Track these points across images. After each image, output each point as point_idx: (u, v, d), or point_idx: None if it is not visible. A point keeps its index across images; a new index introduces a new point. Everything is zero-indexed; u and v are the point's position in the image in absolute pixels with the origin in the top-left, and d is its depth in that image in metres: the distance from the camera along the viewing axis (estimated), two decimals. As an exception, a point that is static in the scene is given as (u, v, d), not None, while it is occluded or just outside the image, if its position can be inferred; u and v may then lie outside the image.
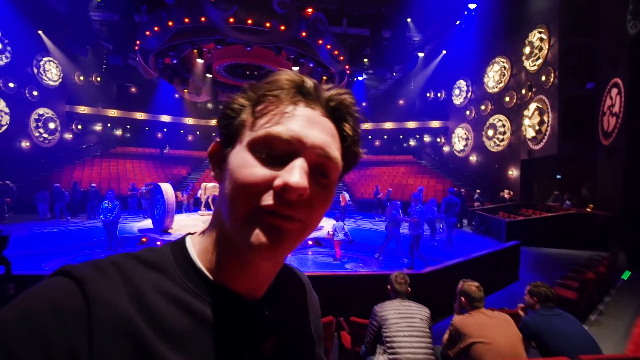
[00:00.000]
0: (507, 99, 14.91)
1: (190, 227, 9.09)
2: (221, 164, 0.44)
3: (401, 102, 22.64)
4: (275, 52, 12.55)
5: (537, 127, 12.33)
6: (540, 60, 12.38)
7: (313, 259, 7.36)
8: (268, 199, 0.37)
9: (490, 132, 15.87)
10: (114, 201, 7.17)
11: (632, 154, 8.23)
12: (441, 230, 9.77)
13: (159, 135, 22.21)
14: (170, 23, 11.10)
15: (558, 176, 13.06)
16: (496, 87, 15.60)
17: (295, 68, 13.16)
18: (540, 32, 12.38)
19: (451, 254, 7.49)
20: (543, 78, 12.02)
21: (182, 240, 0.46)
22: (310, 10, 12.28)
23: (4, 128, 13.60)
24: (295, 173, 0.37)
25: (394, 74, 18.79)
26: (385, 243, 7.21)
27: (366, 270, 6.17)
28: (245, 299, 0.43)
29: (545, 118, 11.89)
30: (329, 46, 12.37)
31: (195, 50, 12.74)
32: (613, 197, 8.86)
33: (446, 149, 19.65)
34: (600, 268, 4.61)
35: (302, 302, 0.56)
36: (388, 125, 21.59)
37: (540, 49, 12.36)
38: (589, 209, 9.66)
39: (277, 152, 0.39)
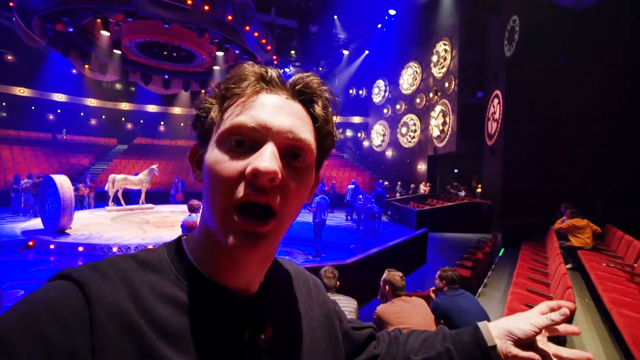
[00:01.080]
0: (418, 100, 16.70)
1: (95, 225, 7.95)
2: (200, 165, 0.44)
3: (326, 96, 23.36)
4: (198, 33, 11.58)
5: (441, 127, 14.18)
6: (444, 69, 14.18)
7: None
8: (240, 191, 0.38)
9: (404, 130, 17.61)
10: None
11: (507, 153, 10.18)
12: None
13: (51, 117, 18.51)
14: (63, -19, 9.23)
15: (456, 170, 15.31)
16: (409, 89, 17.32)
17: (220, 53, 12.42)
18: (445, 44, 14.14)
19: (374, 242, 8.20)
20: (446, 84, 13.83)
21: (177, 240, 0.47)
22: (236, -7, 11.65)
23: None
24: (264, 157, 0.37)
25: (320, 69, 19.27)
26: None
27: (295, 263, 6.33)
28: (239, 295, 0.44)
29: (447, 120, 13.75)
30: (256, 33, 11.98)
31: (98, 20, 10.88)
32: (494, 189, 10.85)
33: (366, 143, 21.10)
34: (486, 249, 5.66)
35: (297, 293, 0.55)
36: (314, 118, 22.10)
37: (445, 58, 14.16)
38: (477, 188, 11.71)
39: (245, 142, 0.39)
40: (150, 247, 6.41)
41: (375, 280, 2.65)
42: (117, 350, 0.33)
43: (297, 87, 0.44)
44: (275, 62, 15.28)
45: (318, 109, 0.45)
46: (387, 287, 2.31)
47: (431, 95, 15.42)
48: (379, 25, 16.42)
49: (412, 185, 15.04)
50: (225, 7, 10.82)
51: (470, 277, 4.37)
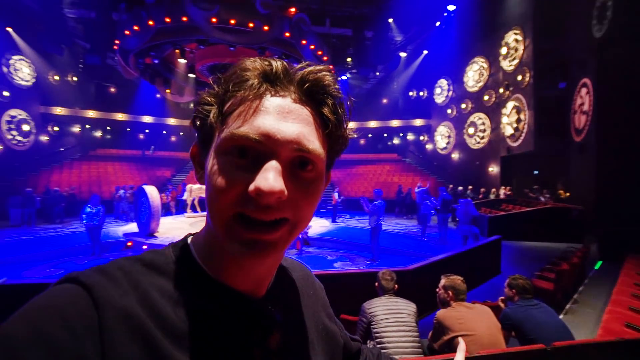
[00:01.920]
0: (486, 97, 15.38)
1: (177, 229, 8.96)
2: (202, 165, 0.42)
3: (385, 100, 22.94)
4: (259, 52, 12.49)
5: (514, 125, 12.81)
6: (516, 61, 12.85)
7: (306, 258, 7.39)
8: (244, 206, 0.36)
9: (471, 130, 16.33)
10: (97, 205, 7.00)
11: (602, 149, 8.71)
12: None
13: (141, 137, 21.66)
14: (150, 22, 10.86)
15: (535, 172, 13.62)
16: (476, 86, 16.06)
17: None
18: (515, 34, 12.84)
19: (438, 249, 7.71)
20: (519, 78, 12.49)
21: (184, 241, 0.45)
22: (293, 10, 12.30)
23: (-27, 131, 12.98)
24: (268, 176, 0.35)
25: (377, 74, 19.06)
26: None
27: (354, 269, 6.28)
28: (248, 297, 0.43)
29: (522, 116, 12.37)
30: (312, 46, 12.43)
31: (177, 50, 12.51)
32: (585, 192, 9.35)
33: (429, 146, 20.08)
34: (574, 259, 4.89)
35: (304, 295, 0.54)
36: (372, 124, 21.85)
37: (516, 49, 12.83)
38: (562, 192, 10.18)
39: (248, 153, 0.37)
40: (144, 247, 6.99)
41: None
42: (127, 355, 0.33)
43: (305, 86, 0.40)
44: (332, 72, 15.60)
45: (328, 111, 0.41)
46: (448, 292, 2.15)
47: (501, 90, 14.07)
48: (438, 23, 15.67)
49: (483, 190, 13.80)
50: (282, 25, 11.50)
51: (553, 290, 3.82)
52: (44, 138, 16.95)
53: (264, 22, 11.11)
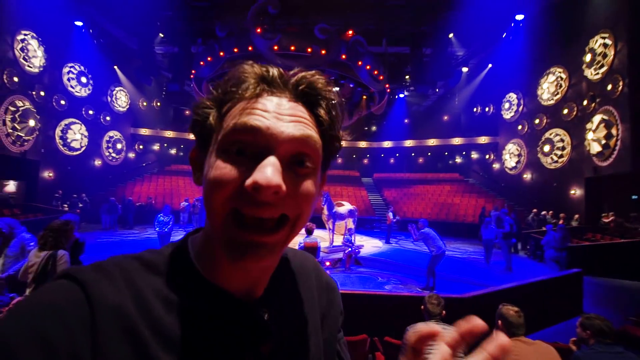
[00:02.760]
0: (565, 111, 13.68)
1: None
2: (201, 168, 0.42)
3: (445, 118, 21.90)
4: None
5: (603, 142, 11.10)
6: (604, 68, 11.28)
7: (356, 277, 7.18)
8: (240, 203, 0.36)
9: (547, 148, 14.58)
10: (169, 214, 7.78)
11: None
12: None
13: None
14: (221, 53, 12.16)
15: (634, 197, 11.49)
16: (552, 99, 14.43)
17: (336, 89, 13.53)
18: (603, 38, 11.35)
19: (501, 279, 6.87)
20: (609, 87, 10.90)
21: (183, 241, 0.45)
22: (350, 32, 12.66)
23: (83, 149, 15.65)
24: (265, 170, 0.35)
25: (437, 90, 18.40)
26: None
27: (404, 292, 5.89)
28: (242, 300, 0.42)
29: (614, 131, 10.68)
30: (368, 67, 12.56)
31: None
32: None
33: (496, 166, 18.41)
34: (688, 304, 3.91)
35: (302, 289, 0.52)
36: (432, 142, 20.92)
37: (604, 55, 11.29)
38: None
39: (246, 149, 0.37)
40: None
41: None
42: (117, 353, 0.33)
43: (300, 88, 0.41)
44: (388, 90, 15.50)
45: (322, 111, 0.42)
46: (499, 322, 1.88)
47: (585, 102, 12.41)
48: (504, 35, 14.65)
49: (562, 215, 12.07)
50: (339, 48, 11.89)
51: (655, 340, 3.07)
52: (132, 155, 19.71)
53: (321, 47, 11.63)
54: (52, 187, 13.48)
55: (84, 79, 15.45)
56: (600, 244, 8.33)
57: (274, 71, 0.41)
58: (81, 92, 15.41)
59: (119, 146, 18.33)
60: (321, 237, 9.25)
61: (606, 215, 10.94)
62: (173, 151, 22.95)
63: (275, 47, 11.58)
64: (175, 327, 0.37)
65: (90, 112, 15.99)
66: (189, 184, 19.01)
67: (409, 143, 21.64)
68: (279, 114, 0.39)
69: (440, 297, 2.36)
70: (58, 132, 14.27)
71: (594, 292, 5.94)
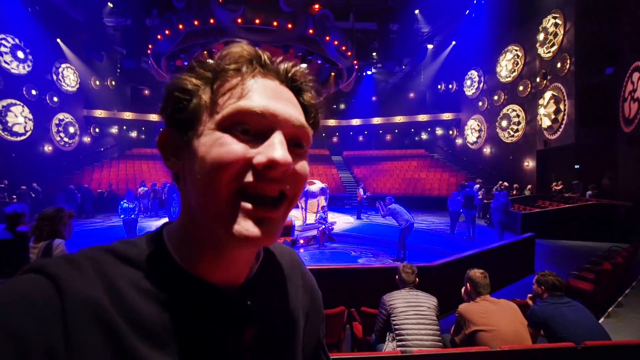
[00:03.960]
0: (521, 88, 14.53)
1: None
2: (178, 152, 0.41)
3: (411, 95, 22.34)
4: (283, 49, 12.61)
5: (552, 116, 12.00)
6: (555, 47, 12.00)
7: (329, 253, 7.41)
8: (249, 179, 0.36)
9: (504, 123, 15.51)
10: (132, 200, 7.43)
11: (654, 140, 7.95)
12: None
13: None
14: (180, 26, 11.31)
15: (576, 166, 12.68)
16: (509, 77, 15.22)
17: (304, 65, 13.22)
18: (555, 18, 11.99)
19: (465, 247, 7.44)
20: (558, 65, 11.66)
21: (159, 231, 0.44)
22: (316, 6, 12.27)
23: (28, 134, 14.22)
24: (279, 148, 0.36)
25: (403, 67, 18.59)
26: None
27: (378, 264, 6.21)
28: (222, 289, 0.41)
29: (562, 106, 11.55)
30: (336, 42, 12.34)
31: (205, 52, 12.93)
32: (636, 187, 8.58)
33: (459, 141, 19.33)
34: (618, 259, 4.51)
35: (289, 284, 0.52)
36: (399, 119, 21.38)
37: (555, 35, 11.98)
38: (607, 185, 9.44)
39: (251, 128, 0.37)
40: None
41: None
42: (91, 346, 0.32)
43: (288, 75, 0.42)
44: (357, 67, 15.42)
45: (308, 97, 0.44)
46: (468, 284, 2.08)
47: (538, 80, 13.22)
48: (467, 12, 14.97)
49: (516, 186, 13.10)
50: (306, 22, 11.52)
51: (592, 291, 3.55)
52: (87, 139, 18.23)
53: (287, 20, 11.18)
54: (-5, 177, 12.25)
55: (20, 54, 13.78)
56: (548, 210, 9.20)
57: (265, 54, 0.42)
58: (19, 68, 13.79)
59: (71, 130, 16.84)
60: (294, 216, 9.36)
61: (556, 183, 12.05)
62: (133, 134, 21.52)
63: (239, 20, 10.97)
64: (153, 317, 0.36)
65: (33, 92, 14.43)
66: (152, 168, 18.12)
67: (377, 120, 21.94)
68: (277, 97, 0.39)
69: (414, 266, 2.52)
70: (-5, 115, 12.82)
71: (543, 253, 6.63)
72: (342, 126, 23.19)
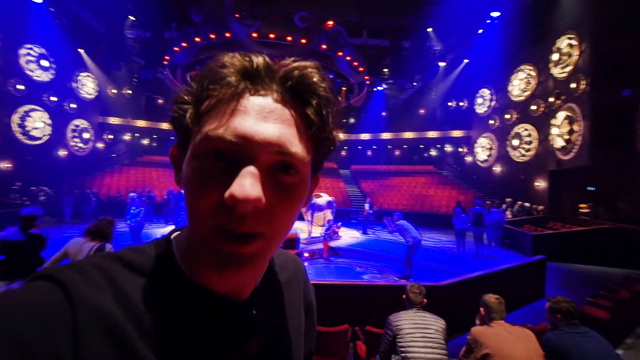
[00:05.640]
0: (533, 107, 14.40)
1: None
2: (182, 168, 0.39)
3: (422, 111, 22.39)
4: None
5: (566, 137, 11.80)
6: (569, 67, 11.93)
7: (334, 268, 7.29)
8: (219, 216, 0.34)
9: (516, 142, 15.33)
10: (139, 207, 7.50)
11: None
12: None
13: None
14: (197, 39, 11.69)
15: (590, 188, 12.38)
16: (522, 96, 15.13)
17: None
18: (569, 38, 11.97)
19: (472, 267, 7.24)
20: (573, 85, 11.55)
21: (167, 239, 0.43)
22: (330, 23, 12.57)
23: (45, 138, 14.63)
24: (243, 182, 0.33)
25: (414, 84, 18.74)
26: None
27: (383, 281, 6.07)
28: (229, 300, 0.41)
29: (575, 127, 11.38)
30: (348, 58, 12.56)
31: (219, 64, 13.28)
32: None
33: (469, 159, 19.15)
34: (637, 287, 4.31)
35: (291, 294, 0.52)
36: (408, 134, 21.36)
37: (570, 55, 11.93)
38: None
39: (225, 157, 0.35)
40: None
41: (474, 309, 2.34)
42: (100, 354, 0.32)
43: (288, 84, 0.37)
44: (368, 82, 15.60)
45: (311, 111, 0.38)
46: (482, 309, 2.00)
47: (551, 99, 13.11)
48: (480, 31, 15.09)
49: (520, 203, 12.84)
50: (319, 38, 11.78)
51: (609, 319, 3.38)
52: (100, 145, 18.68)
53: (301, 36, 11.47)
54: (9, 179, 12.56)
55: (45, 63, 14.35)
56: (560, 232, 8.94)
57: (258, 61, 0.37)
58: (42, 76, 14.32)
59: (86, 135, 17.29)
60: (300, 228, 9.30)
61: (585, 206, 11.71)
62: (145, 141, 21.99)
63: (254, 35, 11.29)
64: (160, 326, 0.36)
65: (53, 98, 14.93)
66: (162, 175, 18.38)
67: (386, 135, 21.97)
68: (263, 118, 0.35)
69: (422, 286, 2.45)
70: (16, 119, 13.25)
71: (554, 276, 6.40)
72: (351, 140, 23.30)
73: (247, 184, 0.33)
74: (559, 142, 12.23)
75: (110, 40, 14.82)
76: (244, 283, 0.43)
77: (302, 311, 0.53)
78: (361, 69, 13.43)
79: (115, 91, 18.94)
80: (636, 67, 9.77)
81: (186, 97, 0.38)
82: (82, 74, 16.75)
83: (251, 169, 0.34)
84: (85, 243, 2.73)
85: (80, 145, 17.04)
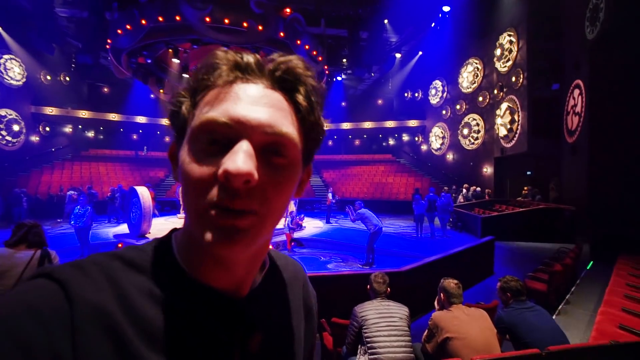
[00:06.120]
0: (480, 98, 15.47)
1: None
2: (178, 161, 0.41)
3: (380, 102, 22.97)
4: (253, 51, 12.33)
5: (508, 126, 12.88)
6: (510, 62, 12.92)
7: (298, 259, 7.32)
8: (213, 194, 0.35)
9: (466, 131, 16.41)
10: (85, 206, 6.87)
11: (594, 151, 8.77)
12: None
13: (135, 137, 21.43)
14: (143, 21, 10.74)
15: (528, 173, 13.70)
16: (470, 87, 16.15)
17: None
18: (509, 35, 12.92)
19: (430, 250, 7.71)
20: (513, 79, 12.56)
21: (167, 237, 0.44)
22: (288, 10, 12.25)
23: (-39, 131, 12.72)
24: (236, 157, 0.34)
25: (372, 74, 19.07)
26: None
27: (348, 270, 6.24)
28: (229, 297, 0.41)
29: (516, 117, 12.44)
30: (307, 46, 12.38)
31: (170, 50, 12.37)
32: (578, 192, 9.41)
33: (424, 147, 20.15)
34: (567, 260, 4.89)
35: (291, 295, 0.53)
36: (367, 124, 21.86)
37: (510, 51, 12.91)
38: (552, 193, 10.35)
39: (218, 140, 0.36)
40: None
41: (433, 291, 2.48)
42: (99, 352, 0.32)
43: (277, 74, 0.39)
44: (327, 72, 15.57)
45: (300, 97, 0.40)
46: (442, 294, 2.13)
47: (495, 92, 14.17)
48: (432, 24, 15.70)
49: (473, 188, 13.87)
50: (277, 25, 11.43)
51: (546, 291, 3.81)
52: (35, 138, 16.69)
53: (258, 22, 11.03)
54: None
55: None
56: (505, 214, 9.82)
57: (248, 57, 0.40)
58: (-48, 58, 12.34)
59: (15, 128, 15.33)
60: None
61: (525, 189, 12.85)
62: (90, 134, 20.06)
63: (207, 19, 10.63)
64: (161, 324, 0.36)
65: (-31, 84, 12.97)
66: (111, 170, 16.99)
67: (346, 125, 22.27)
68: (254, 102, 0.37)
69: (385, 275, 2.53)
70: None
71: (501, 254, 7.04)
72: (313, 130, 23.28)
73: (240, 159, 0.34)
74: (502, 131, 13.31)
75: (38, 17, 13.08)
76: (243, 276, 0.43)
77: (302, 313, 0.54)
78: (320, 58, 13.32)
79: (49, 78, 16.89)
80: (563, 63, 10.86)
81: (182, 92, 0.41)
82: (4, 56, 14.69)
83: (244, 144, 0.35)
84: (17, 253, 2.31)
85: (9, 138, 15.10)
